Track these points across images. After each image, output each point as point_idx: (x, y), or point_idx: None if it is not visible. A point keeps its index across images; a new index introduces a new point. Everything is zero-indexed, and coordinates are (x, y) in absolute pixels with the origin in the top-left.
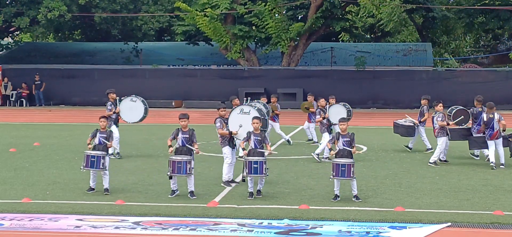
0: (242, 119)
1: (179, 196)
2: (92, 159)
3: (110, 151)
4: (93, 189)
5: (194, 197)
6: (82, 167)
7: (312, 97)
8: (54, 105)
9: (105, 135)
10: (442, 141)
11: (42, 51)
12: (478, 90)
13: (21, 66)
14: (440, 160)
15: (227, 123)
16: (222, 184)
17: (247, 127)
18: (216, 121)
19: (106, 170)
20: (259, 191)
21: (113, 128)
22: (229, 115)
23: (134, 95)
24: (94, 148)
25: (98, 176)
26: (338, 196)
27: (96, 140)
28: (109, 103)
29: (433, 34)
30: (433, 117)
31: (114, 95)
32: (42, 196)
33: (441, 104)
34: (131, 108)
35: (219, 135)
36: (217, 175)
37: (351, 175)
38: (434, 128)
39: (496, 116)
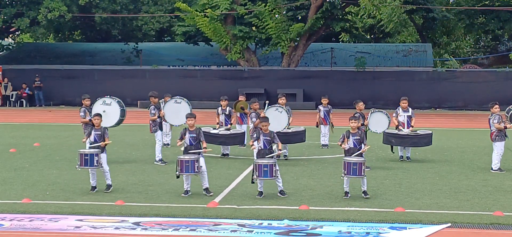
0: (277, 116)
1: (179, 196)
2: (86, 158)
3: (156, 158)
4: (95, 187)
5: (210, 194)
6: (77, 166)
7: (244, 97)
8: (54, 106)
9: (99, 133)
10: (499, 146)
11: (43, 52)
12: (478, 90)
13: (22, 66)
14: (492, 169)
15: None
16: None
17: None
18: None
19: (102, 167)
20: (282, 191)
21: (158, 133)
22: (265, 111)
23: (178, 96)
24: (90, 146)
25: (99, 175)
26: (348, 193)
27: (91, 138)
28: (152, 107)
29: (433, 34)
30: (489, 119)
31: (156, 99)
32: (42, 197)
33: (497, 106)
34: (176, 110)
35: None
36: (217, 175)
37: (362, 173)
38: (491, 131)
39: None
